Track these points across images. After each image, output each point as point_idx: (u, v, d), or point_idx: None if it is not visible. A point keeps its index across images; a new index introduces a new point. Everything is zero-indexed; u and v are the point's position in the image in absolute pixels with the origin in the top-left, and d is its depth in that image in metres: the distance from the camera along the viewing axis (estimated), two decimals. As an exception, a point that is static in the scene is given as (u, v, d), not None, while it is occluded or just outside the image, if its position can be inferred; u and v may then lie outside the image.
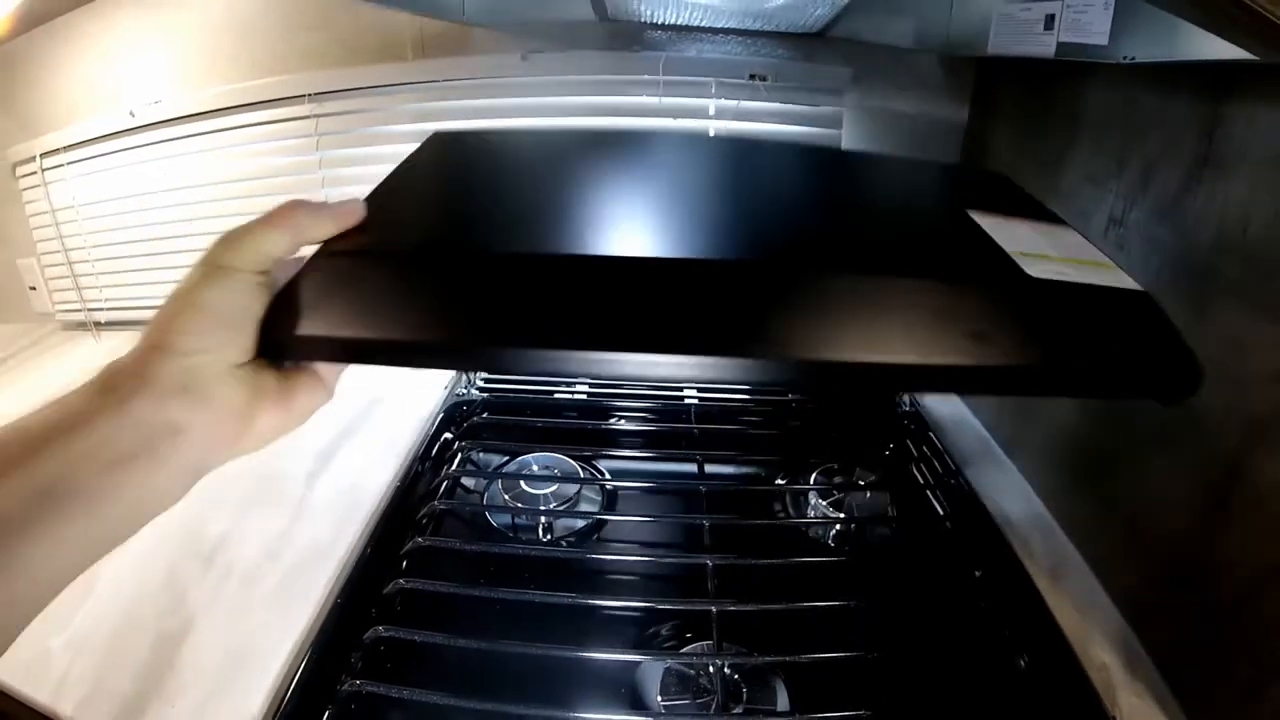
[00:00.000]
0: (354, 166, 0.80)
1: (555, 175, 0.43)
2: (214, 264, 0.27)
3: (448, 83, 0.78)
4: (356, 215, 0.31)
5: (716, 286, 0.30)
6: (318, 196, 0.82)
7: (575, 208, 0.37)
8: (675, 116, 0.76)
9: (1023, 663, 0.47)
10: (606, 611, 0.48)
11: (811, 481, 0.63)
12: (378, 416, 0.72)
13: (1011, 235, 0.38)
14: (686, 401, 0.71)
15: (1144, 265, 0.54)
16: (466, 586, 0.49)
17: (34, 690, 0.44)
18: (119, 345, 0.91)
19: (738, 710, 0.42)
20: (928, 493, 0.64)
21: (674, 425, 0.66)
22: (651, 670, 0.44)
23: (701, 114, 0.77)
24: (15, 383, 0.88)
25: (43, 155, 0.91)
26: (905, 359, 0.29)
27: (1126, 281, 0.36)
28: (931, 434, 0.71)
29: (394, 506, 0.54)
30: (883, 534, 0.60)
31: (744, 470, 0.62)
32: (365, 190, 0.34)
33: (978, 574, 0.54)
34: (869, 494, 0.62)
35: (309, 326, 0.28)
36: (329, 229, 0.30)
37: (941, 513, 0.62)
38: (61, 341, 0.98)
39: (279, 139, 0.83)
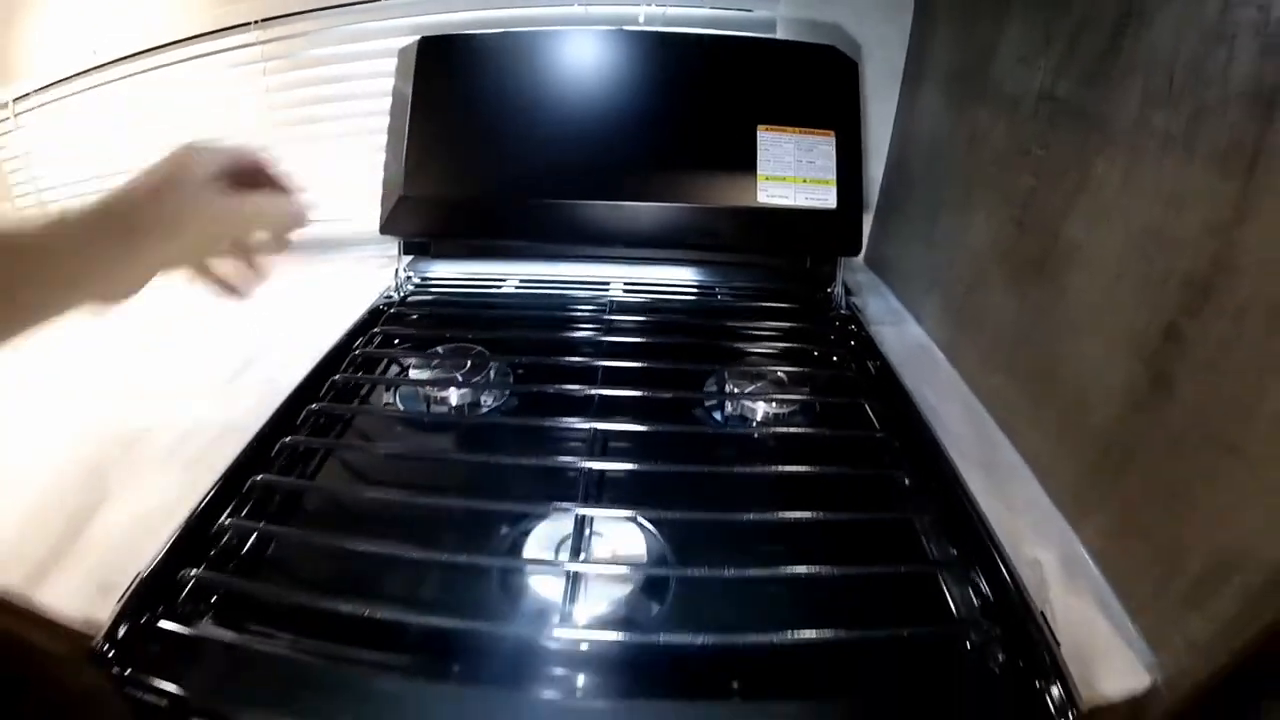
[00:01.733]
0: (301, 88, 0.82)
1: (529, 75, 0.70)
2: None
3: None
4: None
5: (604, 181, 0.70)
6: (265, 126, 0.82)
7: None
8: (601, 25, 0.76)
9: (939, 554, 0.44)
10: (466, 511, 0.46)
11: (726, 376, 0.61)
12: (302, 326, 0.74)
13: (773, 154, 0.70)
14: (610, 294, 0.71)
15: (1072, 133, 0.52)
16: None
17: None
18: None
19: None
20: (855, 390, 0.61)
21: (590, 320, 0.67)
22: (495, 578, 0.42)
23: (630, 22, 0.76)
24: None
25: (14, 100, 0.95)
26: (687, 239, 0.71)
27: (830, 199, 0.71)
28: (867, 333, 0.70)
29: (304, 386, 0.55)
30: (800, 430, 0.58)
31: (651, 364, 0.60)
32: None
33: (905, 479, 0.50)
34: (788, 389, 0.60)
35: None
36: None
37: (870, 411, 0.59)
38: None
39: (227, 69, 0.84)
